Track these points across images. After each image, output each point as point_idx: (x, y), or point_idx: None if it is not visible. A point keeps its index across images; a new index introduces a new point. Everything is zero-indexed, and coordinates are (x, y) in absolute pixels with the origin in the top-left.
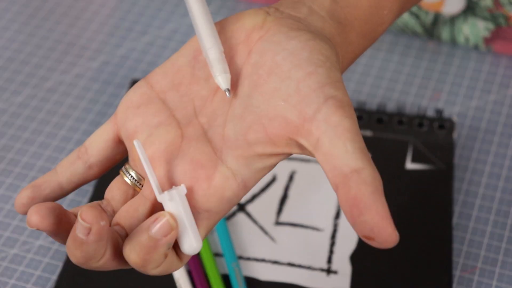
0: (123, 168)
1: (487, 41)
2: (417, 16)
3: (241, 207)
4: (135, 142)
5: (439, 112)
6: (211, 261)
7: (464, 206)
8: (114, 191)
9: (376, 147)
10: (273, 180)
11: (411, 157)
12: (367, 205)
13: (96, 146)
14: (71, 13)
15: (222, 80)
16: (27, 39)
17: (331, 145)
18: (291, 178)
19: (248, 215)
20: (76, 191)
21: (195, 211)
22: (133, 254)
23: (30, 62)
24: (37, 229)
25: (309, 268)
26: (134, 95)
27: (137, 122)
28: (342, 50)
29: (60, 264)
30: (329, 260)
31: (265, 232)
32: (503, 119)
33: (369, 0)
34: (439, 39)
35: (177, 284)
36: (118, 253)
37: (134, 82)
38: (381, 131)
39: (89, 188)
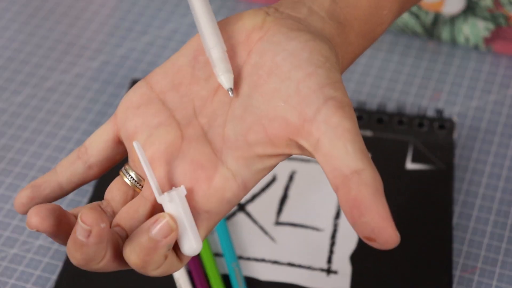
0: (122, 169)
1: (487, 41)
2: (417, 16)
3: (241, 207)
4: (134, 144)
5: (439, 112)
6: (211, 261)
7: (464, 206)
8: (114, 191)
9: (376, 147)
10: (273, 180)
11: (411, 157)
12: (368, 206)
13: (96, 146)
14: (71, 13)
15: (225, 79)
16: (27, 38)
17: (331, 146)
18: (291, 178)
19: (248, 215)
20: (76, 191)
21: (195, 212)
22: (133, 256)
23: (30, 61)
24: (37, 231)
25: (309, 268)
26: (134, 95)
27: (137, 122)
28: (341, 50)
29: (60, 264)
30: (329, 260)
31: (265, 232)
32: (503, 119)
33: (369, 0)
34: (439, 39)
35: (177, 284)
36: (118, 254)
37: (134, 82)
38: (381, 131)
39: (89, 188)
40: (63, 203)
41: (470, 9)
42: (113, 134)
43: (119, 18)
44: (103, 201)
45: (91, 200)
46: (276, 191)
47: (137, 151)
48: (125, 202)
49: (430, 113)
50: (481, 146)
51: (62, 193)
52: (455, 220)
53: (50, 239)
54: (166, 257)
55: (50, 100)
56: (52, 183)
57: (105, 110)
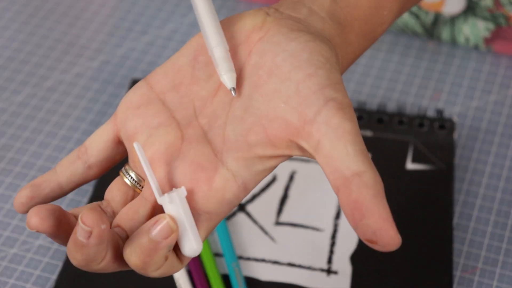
0: (123, 169)
1: (487, 41)
2: (417, 16)
3: (241, 207)
4: (134, 145)
5: (439, 112)
6: (211, 261)
7: (465, 206)
8: (114, 192)
9: (376, 147)
10: (273, 180)
11: (412, 157)
12: (369, 208)
13: (96, 146)
14: (71, 12)
15: (228, 78)
16: (27, 38)
17: (331, 148)
18: (291, 178)
19: (248, 215)
20: (75, 191)
21: (195, 213)
22: (133, 257)
23: (30, 61)
24: (37, 231)
25: (309, 268)
26: (134, 95)
27: (137, 123)
28: (342, 50)
29: (60, 264)
30: (329, 260)
31: (265, 232)
32: (504, 119)
33: (369, 0)
34: (439, 39)
35: (177, 284)
36: (118, 255)
37: (134, 82)
38: (381, 131)
39: (89, 188)
40: (63, 203)
41: (470, 9)
42: (113, 134)
43: (119, 18)
44: (103, 201)
45: (91, 200)
46: (276, 191)
47: (138, 152)
48: (125, 202)
49: (430, 113)
50: (481, 146)
51: (62, 193)
52: (455, 220)
53: (50, 239)
54: (166, 258)
55: (50, 100)
56: (51, 182)
57: (105, 110)
